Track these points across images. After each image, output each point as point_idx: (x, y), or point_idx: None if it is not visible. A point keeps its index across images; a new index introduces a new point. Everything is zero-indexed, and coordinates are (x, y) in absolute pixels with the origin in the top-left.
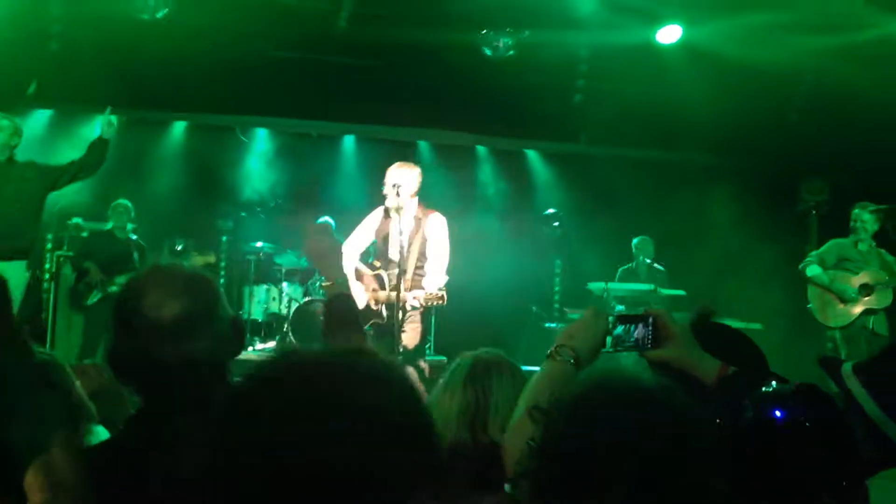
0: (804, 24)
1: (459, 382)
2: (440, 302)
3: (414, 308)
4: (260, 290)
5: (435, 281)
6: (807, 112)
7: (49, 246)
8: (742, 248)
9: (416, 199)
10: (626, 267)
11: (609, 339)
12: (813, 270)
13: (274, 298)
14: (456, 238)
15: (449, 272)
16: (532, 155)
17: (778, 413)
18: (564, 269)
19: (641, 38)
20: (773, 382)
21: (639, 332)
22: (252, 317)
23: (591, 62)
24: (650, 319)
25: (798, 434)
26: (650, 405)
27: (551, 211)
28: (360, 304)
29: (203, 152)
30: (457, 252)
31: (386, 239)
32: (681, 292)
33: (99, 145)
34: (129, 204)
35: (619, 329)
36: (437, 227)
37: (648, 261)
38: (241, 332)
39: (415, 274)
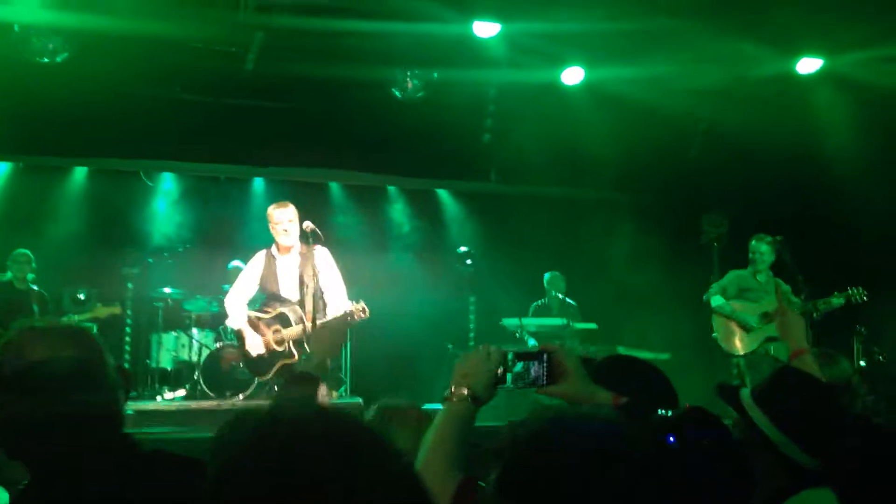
0: (699, 64)
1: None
2: (363, 315)
3: (360, 316)
4: (169, 338)
5: (340, 306)
6: (705, 148)
7: None
8: (649, 281)
9: (298, 236)
10: (538, 303)
11: (509, 377)
12: (717, 301)
13: (183, 345)
14: (369, 278)
15: (364, 311)
16: (443, 194)
17: (671, 438)
18: (478, 306)
19: (547, 79)
20: (662, 410)
21: (535, 368)
22: (161, 365)
23: (498, 102)
24: (545, 356)
25: (694, 455)
26: (608, 435)
27: (464, 249)
28: (259, 352)
29: (106, 198)
30: (371, 291)
31: (275, 282)
32: (592, 325)
33: None
34: (29, 253)
35: (519, 366)
36: (325, 259)
37: (560, 296)
38: (129, 379)
39: (315, 307)
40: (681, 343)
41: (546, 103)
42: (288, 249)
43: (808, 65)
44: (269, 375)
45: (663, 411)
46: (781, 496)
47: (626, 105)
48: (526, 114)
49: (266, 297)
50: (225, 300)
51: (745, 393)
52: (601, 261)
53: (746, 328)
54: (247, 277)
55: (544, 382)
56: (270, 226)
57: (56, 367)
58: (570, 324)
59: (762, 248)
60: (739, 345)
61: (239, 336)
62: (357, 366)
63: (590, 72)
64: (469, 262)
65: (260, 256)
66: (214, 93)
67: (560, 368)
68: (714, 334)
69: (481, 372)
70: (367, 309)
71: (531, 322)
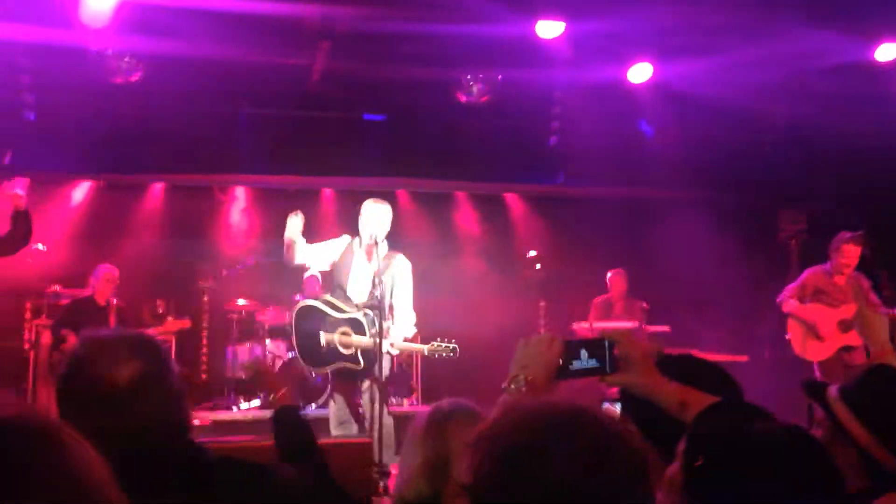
0: (772, 56)
1: (419, 437)
2: (452, 354)
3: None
4: (243, 349)
5: (405, 327)
6: (781, 143)
7: (28, 315)
8: (725, 281)
9: (385, 239)
10: (600, 300)
11: (567, 365)
12: (790, 306)
13: (257, 356)
14: (438, 285)
15: (433, 318)
16: (511, 198)
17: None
18: (549, 310)
19: (613, 78)
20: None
21: (599, 357)
22: (236, 376)
23: (564, 103)
24: (606, 344)
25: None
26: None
27: (533, 253)
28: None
29: (182, 213)
30: (440, 298)
31: (346, 275)
32: (664, 328)
33: (18, 218)
34: (112, 268)
35: (582, 354)
36: (404, 270)
37: (624, 296)
38: (196, 387)
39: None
40: (759, 345)
41: (613, 102)
42: (372, 249)
43: (888, 52)
44: (324, 372)
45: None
46: (864, 498)
47: (697, 101)
48: (592, 114)
49: (333, 289)
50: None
51: (833, 390)
52: (675, 261)
53: (821, 335)
54: (326, 248)
55: (608, 371)
56: (360, 219)
57: (118, 380)
58: (642, 326)
59: (843, 247)
60: (813, 351)
61: (302, 312)
62: (427, 373)
63: (658, 68)
64: (538, 266)
65: (343, 241)
66: (281, 106)
67: (624, 357)
68: (788, 336)
69: (541, 361)
70: (457, 350)
71: (602, 325)
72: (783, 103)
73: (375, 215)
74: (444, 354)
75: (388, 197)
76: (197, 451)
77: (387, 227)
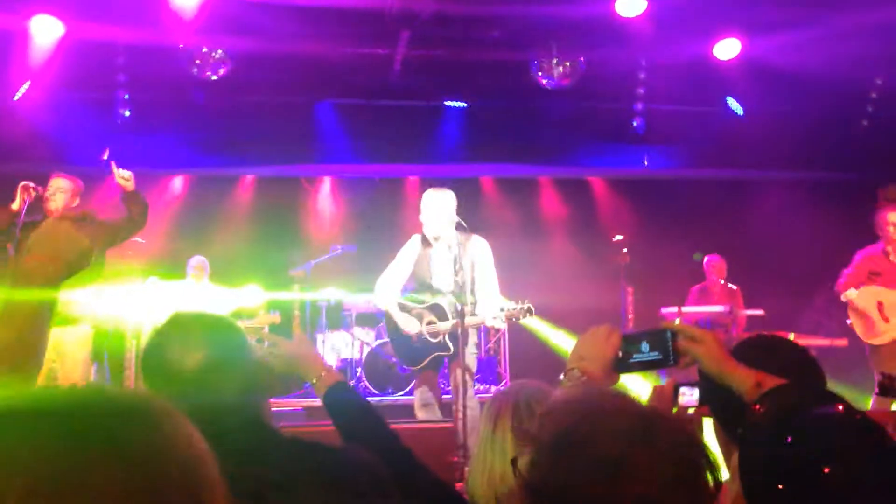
0: (866, 26)
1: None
2: (528, 314)
3: (497, 328)
4: (332, 337)
5: (492, 307)
6: (878, 118)
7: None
8: (820, 262)
9: (454, 224)
10: (697, 288)
11: (627, 358)
12: (847, 292)
13: (346, 344)
14: (524, 271)
15: (530, 312)
16: (595, 182)
17: (824, 440)
18: (636, 296)
19: (699, 55)
20: (823, 403)
21: (659, 349)
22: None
23: (648, 84)
24: (668, 335)
25: (848, 467)
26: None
27: (619, 237)
28: (414, 331)
29: (270, 204)
30: (526, 285)
31: (427, 268)
32: (759, 312)
33: (130, 199)
34: (205, 259)
35: (639, 346)
36: (483, 250)
37: (721, 280)
38: (271, 373)
39: (471, 301)
40: None
41: (699, 81)
42: (440, 238)
43: None
44: (421, 366)
45: (817, 407)
46: None
47: (788, 76)
48: (677, 94)
49: (417, 286)
50: (376, 282)
51: None
52: (769, 243)
53: (882, 318)
54: (400, 260)
55: (672, 361)
56: (426, 210)
57: (187, 364)
58: (735, 310)
59: (889, 226)
60: (877, 335)
61: (388, 317)
62: (514, 359)
63: (746, 43)
64: (625, 251)
65: (416, 240)
66: (364, 96)
67: (686, 347)
68: (849, 321)
69: (597, 354)
70: (532, 308)
71: (692, 310)
72: (880, 75)
73: (435, 205)
74: (520, 316)
75: (472, 184)
76: (269, 434)
77: (449, 213)
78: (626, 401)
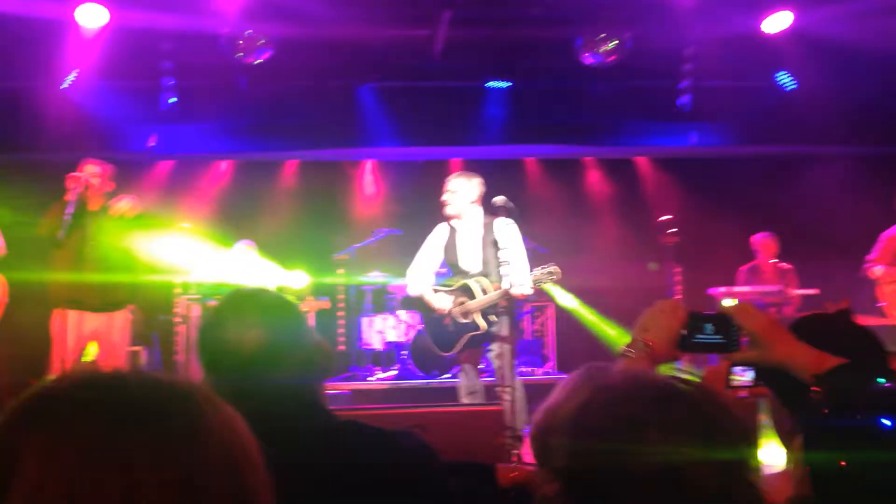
0: None
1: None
2: (554, 277)
3: (526, 294)
4: (378, 320)
5: (521, 281)
6: None
7: (176, 290)
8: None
9: (480, 206)
10: (747, 267)
11: (691, 337)
12: (877, 272)
13: (391, 327)
14: (570, 252)
15: (565, 285)
16: (641, 161)
17: (888, 422)
18: (684, 276)
19: (748, 29)
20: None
21: (722, 333)
22: (372, 347)
23: (695, 60)
24: (727, 318)
25: None
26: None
27: (666, 217)
28: (447, 307)
29: (314, 188)
30: (572, 266)
31: (455, 252)
32: (814, 291)
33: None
34: (251, 242)
35: (702, 327)
36: (507, 231)
37: (773, 260)
38: (328, 355)
39: (499, 280)
40: None
41: (748, 56)
42: (458, 218)
43: None
44: (457, 349)
45: (882, 380)
46: None
47: (841, 49)
48: (726, 69)
49: (450, 270)
50: (407, 272)
51: None
52: (822, 221)
53: None
54: (429, 247)
55: (735, 348)
56: (449, 195)
57: (245, 344)
58: (787, 289)
59: None
60: None
61: (421, 303)
62: (560, 341)
63: (798, 15)
64: (673, 230)
65: (443, 227)
66: (406, 78)
67: (747, 330)
68: (881, 304)
69: (663, 327)
70: (558, 271)
71: (742, 290)
72: None
73: (457, 190)
74: (545, 280)
75: (516, 165)
76: (324, 416)
77: (470, 197)
78: (673, 386)
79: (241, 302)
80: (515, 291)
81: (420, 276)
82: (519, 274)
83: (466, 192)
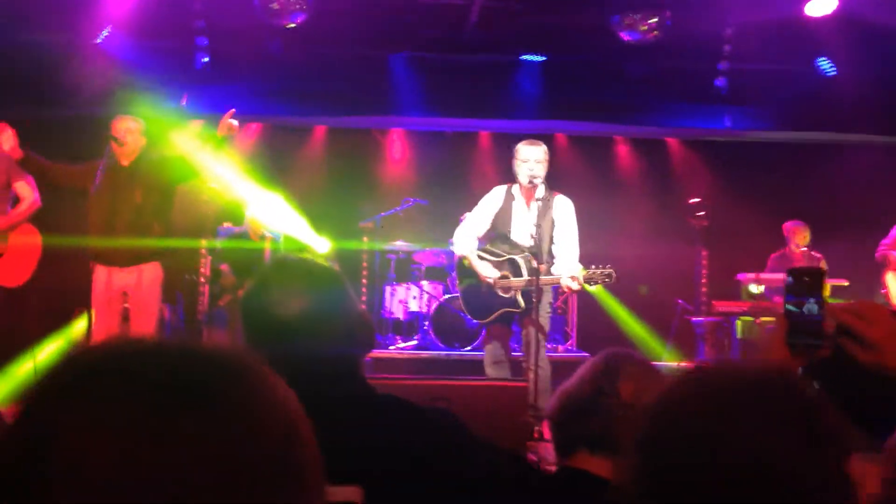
0: None
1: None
2: (608, 280)
3: (572, 289)
4: (401, 289)
5: (570, 267)
6: None
7: (204, 250)
8: None
9: (542, 180)
10: (777, 254)
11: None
12: (891, 258)
13: (414, 297)
14: (597, 230)
15: (589, 264)
16: (672, 142)
17: None
18: (711, 260)
19: (790, 11)
20: None
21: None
22: (394, 316)
23: (735, 41)
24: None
25: None
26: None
27: (695, 200)
28: (492, 275)
29: (342, 155)
30: (598, 244)
31: (508, 222)
32: (842, 282)
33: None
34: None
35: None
36: (566, 210)
37: (803, 248)
38: (370, 327)
39: (547, 259)
40: None
41: (789, 39)
42: (531, 192)
43: None
44: (489, 319)
45: None
46: None
47: (887, 34)
48: (765, 52)
49: (494, 238)
50: (456, 231)
51: None
52: (855, 210)
53: None
54: (482, 211)
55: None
56: (515, 162)
57: (286, 313)
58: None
59: None
60: None
61: (461, 266)
62: (582, 321)
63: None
64: (702, 213)
65: (499, 191)
66: (439, 48)
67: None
68: (883, 291)
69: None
70: (614, 275)
71: (770, 277)
72: None
73: (533, 156)
74: (599, 281)
75: (546, 140)
76: (366, 389)
77: (545, 167)
78: (775, 383)
79: (287, 269)
80: (564, 284)
81: (468, 238)
82: (570, 261)
83: (542, 162)
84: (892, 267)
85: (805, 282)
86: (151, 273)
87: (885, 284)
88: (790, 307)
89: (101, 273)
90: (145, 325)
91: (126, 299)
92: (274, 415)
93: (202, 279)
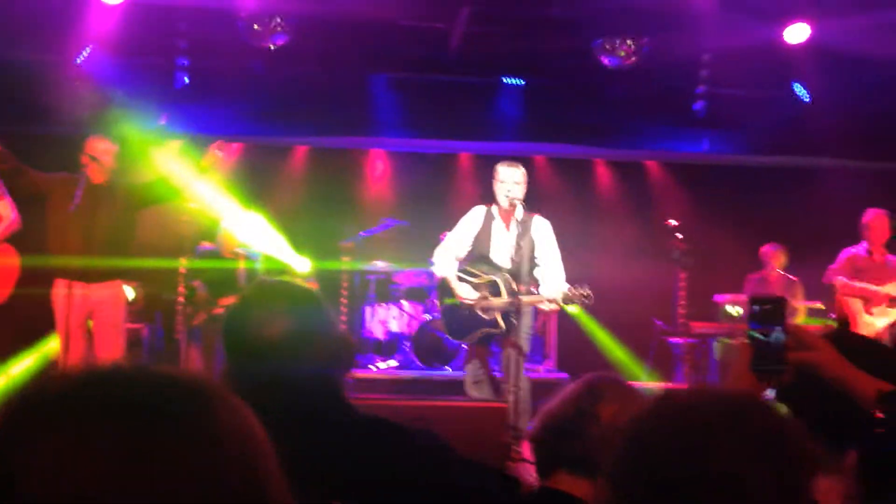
0: None
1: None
2: (586, 300)
3: (547, 310)
4: (381, 310)
5: (557, 287)
6: None
7: (183, 269)
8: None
9: (521, 201)
10: (754, 277)
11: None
12: (841, 282)
13: (394, 317)
14: (576, 252)
15: (588, 298)
16: (651, 165)
17: None
18: (689, 282)
19: (767, 38)
20: None
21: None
22: (374, 336)
23: (712, 67)
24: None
25: None
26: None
27: (673, 222)
28: (471, 298)
29: (322, 175)
30: (577, 266)
31: (487, 242)
32: (818, 304)
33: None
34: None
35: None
36: (545, 230)
37: (780, 271)
38: (351, 347)
39: (528, 280)
40: None
41: (766, 65)
42: (510, 213)
43: None
44: (469, 339)
45: None
46: None
47: (860, 62)
48: (742, 78)
49: (474, 259)
50: (434, 252)
51: None
52: (831, 234)
53: (870, 312)
54: (461, 231)
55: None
56: (495, 183)
57: (271, 334)
58: (791, 301)
59: (870, 222)
60: (865, 328)
61: (443, 287)
62: (562, 341)
63: (816, 28)
64: (679, 235)
65: (479, 212)
66: (421, 70)
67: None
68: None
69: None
70: (591, 296)
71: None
72: None
73: (511, 178)
74: (576, 301)
75: (526, 162)
76: (349, 410)
77: (523, 188)
78: (745, 405)
79: (268, 291)
80: (544, 308)
81: (448, 259)
82: (555, 279)
83: (520, 183)
84: (840, 292)
85: (768, 310)
86: (116, 291)
87: (837, 309)
88: (755, 335)
89: (61, 288)
90: (110, 342)
91: (91, 315)
92: (239, 440)
93: (180, 298)
